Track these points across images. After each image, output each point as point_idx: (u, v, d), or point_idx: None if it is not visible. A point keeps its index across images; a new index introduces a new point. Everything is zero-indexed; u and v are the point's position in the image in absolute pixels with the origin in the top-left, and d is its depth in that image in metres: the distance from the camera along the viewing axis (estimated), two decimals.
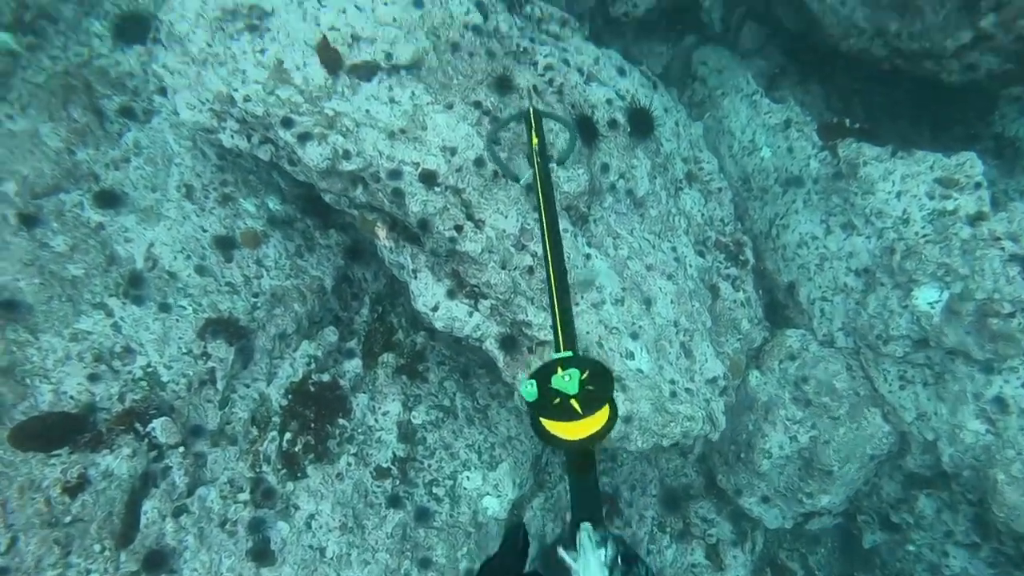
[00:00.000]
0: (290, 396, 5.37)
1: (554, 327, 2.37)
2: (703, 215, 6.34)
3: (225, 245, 5.52)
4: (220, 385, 5.04)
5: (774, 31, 7.47)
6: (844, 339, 5.69)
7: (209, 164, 5.81)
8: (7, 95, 5.27)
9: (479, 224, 4.66)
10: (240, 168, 5.93)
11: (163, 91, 5.37)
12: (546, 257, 2.56)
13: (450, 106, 4.81)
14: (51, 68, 5.63)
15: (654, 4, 7.24)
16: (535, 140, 3.45)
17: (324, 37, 4.79)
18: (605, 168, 5.41)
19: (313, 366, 5.63)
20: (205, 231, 5.52)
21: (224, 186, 5.79)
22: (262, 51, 4.88)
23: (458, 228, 4.60)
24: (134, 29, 6.17)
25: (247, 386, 5.34)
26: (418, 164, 4.60)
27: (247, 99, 4.68)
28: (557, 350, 2.39)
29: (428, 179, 4.59)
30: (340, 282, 6.25)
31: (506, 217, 4.75)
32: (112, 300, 4.89)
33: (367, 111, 4.77)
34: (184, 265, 5.27)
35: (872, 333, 5.42)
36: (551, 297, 2.45)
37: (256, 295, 5.48)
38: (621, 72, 6.22)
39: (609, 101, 5.65)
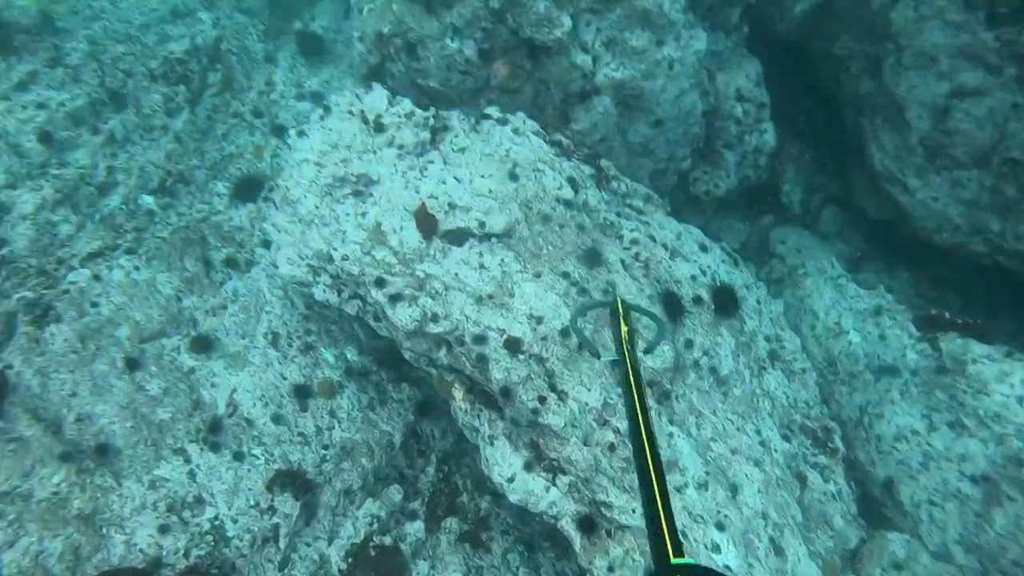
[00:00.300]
0: (350, 560, 5.10)
1: (660, 526, 2.12)
2: (787, 397, 6.05)
3: (302, 394, 5.57)
4: (282, 543, 4.85)
5: (856, 216, 7.51)
6: (964, 555, 5.05)
7: (296, 313, 6.03)
8: (139, 248, 5.73)
9: (562, 396, 4.55)
10: (324, 318, 6.13)
11: (266, 244, 5.74)
12: (640, 447, 2.38)
13: (538, 275, 4.90)
14: (176, 223, 6.16)
15: (735, 185, 7.45)
16: (624, 328, 3.38)
17: (423, 204, 5.08)
18: (689, 344, 5.30)
19: (375, 527, 5.39)
20: (285, 379, 5.60)
21: (308, 335, 5.96)
22: (363, 214, 5.21)
23: (541, 399, 4.50)
24: (249, 190, 6.77)
25: (308, 545, 5.12)
26: (504, 331, 4.62)
27: (345, 258, 4.92)
28: (661, 552, 2.12)
29: (513, 346, 4.58)
30: (408, 437, 6.14)
31: (589, 390, 4.63)
32: (192, 446, 4.92)
33: (456, 275, 4.91)
34: (262, 412, 5.31)
35: (1006, 556, 4.80)
36: (649, 488, 2.22)
37: (326, 447, 5.42)
38: (703, 248, 6.29)
39: (693, 277, 5.67)
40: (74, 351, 5.06)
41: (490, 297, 4.79)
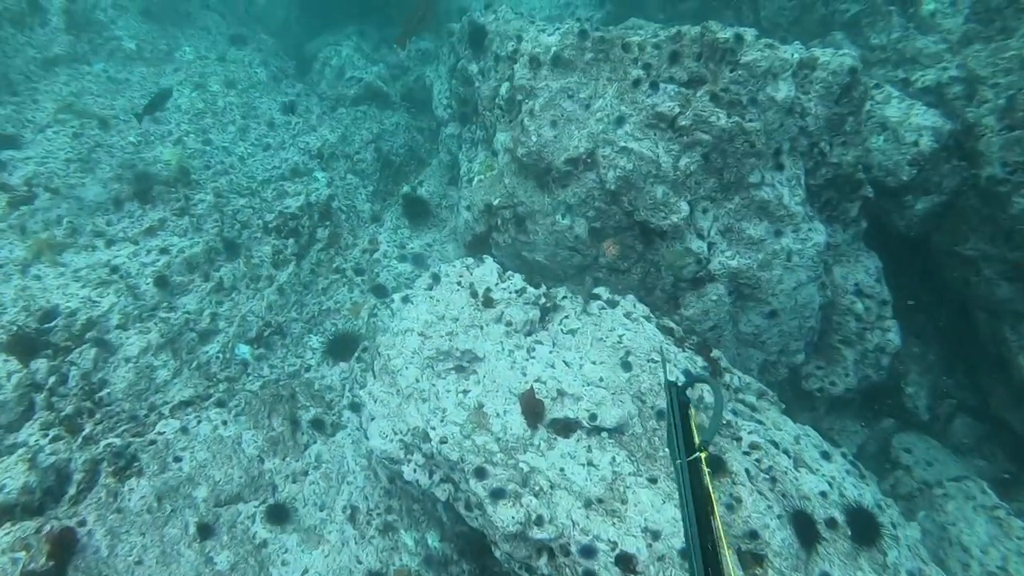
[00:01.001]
0: None
1: None
2: None
3: None
4: None
5: (995, 430, 6.73)
6: None
7: (378, 487, 5.62)
8: (229, 400, 5.60)
9: None
10: (407, 494, 5.69)
11: (354, 407, 5.48)
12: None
13: (654, 480, 4.39)
14: (268, 377, 6.05)
15: (854, 385, 6.87)
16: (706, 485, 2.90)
17: (530, 388, 4.76)
18: None
19: None
20: (360, 563, 5.09)
21: (388, 512, 5.50)
22: (465, 392, 4.92)
23: None
24: (343, 347, 6.67)
25: None
26: (615, 544, 4.05)
27: (443, 440, 4.57)
28: None
29: (625, 564, 3.99)
30: None
31: None
32: None
33: (562, 470, 4.46)
34: None
35: None
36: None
37: None
38: (825, 456, 5.64)
39: (823, 494, 5.00)
40: (149, 510, 4.76)
41: (600, 501, 4.28)
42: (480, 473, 4.35)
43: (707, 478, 2.82)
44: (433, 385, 4.99)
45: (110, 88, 8.35)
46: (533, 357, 5.04)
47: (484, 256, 5.93)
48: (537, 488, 4.33)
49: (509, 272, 5.74)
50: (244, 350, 6.38)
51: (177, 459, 5.05)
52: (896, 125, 6.97)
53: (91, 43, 8.65)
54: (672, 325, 5.82)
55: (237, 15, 12.33)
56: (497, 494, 4.21)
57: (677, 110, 5.79)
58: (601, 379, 4.84)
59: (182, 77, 9.61)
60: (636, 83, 6.01)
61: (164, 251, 6.63)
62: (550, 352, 5.03)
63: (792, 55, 5.84)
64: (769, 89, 5.79)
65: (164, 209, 7.13)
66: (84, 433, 5.03)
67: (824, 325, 6.88)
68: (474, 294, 5.48)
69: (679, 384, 3.87)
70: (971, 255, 6.75)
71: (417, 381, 5.01)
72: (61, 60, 8.11)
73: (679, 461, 3.25)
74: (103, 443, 4.99)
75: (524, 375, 4.90)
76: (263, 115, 9.67)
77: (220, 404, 5.60)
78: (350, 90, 10.72)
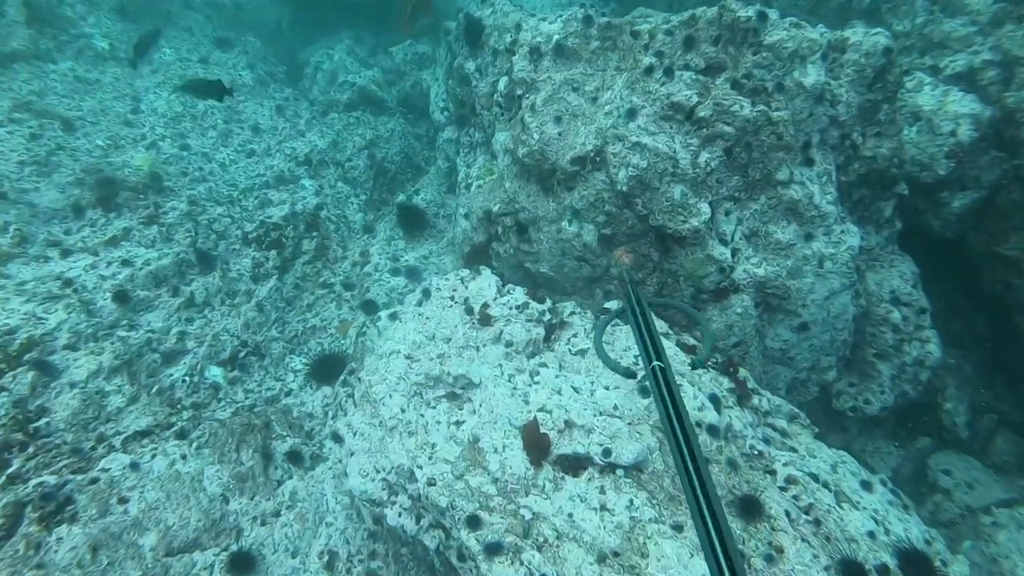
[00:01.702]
0: None
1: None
2: None
3: None
4: None
5: None
6: None
7: (361, 528, 4.95)
8: (192, 431, 4.95)
9: None
10: (395, 537, 5.02)
11: (337, 438, 4.83)
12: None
13: (679, 529, 3.71)
14: (242, 403, 5.40)
15: (890, 402, 6.19)
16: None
17: (534, 419, 4.10)
18: None
19: None
20: None
21: (372, 559, 4.83)
22: (458, 424, 4.26)
23: None
24: (328, 369, 6.03)
25: None
26: None
27: (431, 483, 3.91)
28: None
29: None
30: None
31: None
32: None
33: (570, 515, 3.79)
34: None
35: None
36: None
37: None
38: (865, 486, 4.96)
39: (871, 534, 4.32)
40: (79, 564, 4.08)
41: (615, 555, 3.61)
42: (473, 522, 3.69)
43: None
44: (421, 416, 4.34)
45: (77, 88, 7.76)
46: (537, 382, 4.39)
47: (481, 267, 5.29)
48: (541, 539, 3.66)
49: (510, 285, 5.10)
50: (215, 372, 5.73)
51: (123, 500, 4.39)
52: (930, 114, 6.32)
53: (56, 40, 8.06)
54: (693, 342, 5.16)
55: (225, 17, 11.79)
56: (493, 549, 3.54)
57: (695, 99, 5.16)
58: (616, 407, 4.17)
59: (160, 79, 9.04)
60: (648, 71, 5.39)
61: (127, 263, 6.00)
62: (556, 376, 4.38)
63: (821, 35, 5.21)
64: (796, 74, 5.16)
65: (131, 217, 6.51)
66: (10, 471, 4.36)
67: (857, 338, 6.21)
68: (469, 310, 4.83)
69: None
70: (1012, 256, 6.10)
71: (403, 411, 4.35)
72: (20, 56, 7.52)
73: (655, 364, 2.72)
74: (32, 483, 4.33)
75: (526, 403, 4.25)
76: (248, 119, 9.08)
77: (181, 435, 4.95)
78: (343, 95, 10.12)
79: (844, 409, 6.40)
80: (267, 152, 8.66)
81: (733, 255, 5.32)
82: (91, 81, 7.98)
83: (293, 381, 5.95)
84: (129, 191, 6.70)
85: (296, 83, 11.13)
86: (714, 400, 4.41)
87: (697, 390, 4.39)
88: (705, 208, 5.18)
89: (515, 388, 4.30)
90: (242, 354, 6.04)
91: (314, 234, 7.67)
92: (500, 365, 4.43)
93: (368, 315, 6.84)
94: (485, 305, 4.78)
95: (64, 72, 7.80)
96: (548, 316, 4.74)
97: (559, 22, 6.07)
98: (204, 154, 8.25)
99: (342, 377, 5.72)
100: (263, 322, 6.50)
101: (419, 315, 4.78)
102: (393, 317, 5.00)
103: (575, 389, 4.28)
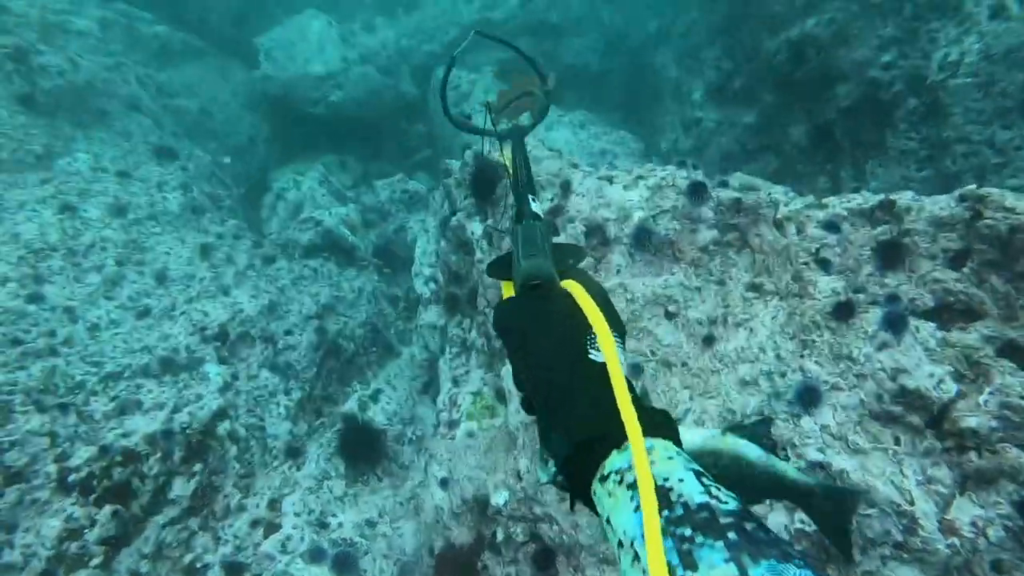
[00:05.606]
0: None
1: None
2: None
3: None
4: None
5: None
6: None
7: None
8: None
9: None
10: None
11: None
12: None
13: None
14: None
15: None
16: None
17: None
18: None
19: None
20: None
21: None
22: None
23: None
24: None
25: None
26: None
27: None
28: None
29: None
30: None
31: None
32: None
33: None
34: None
35: None
36: None
37: None
38: None
39: None
40: None
41: None
42: None
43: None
44: None
45: None
46: None
47: None
48: None
49: None
50: None
51: None
52: None
53: None
54: None
55: (184, 124, 9.48)
56: None
57: (951, 388, 2.36)
58: None
59: (48, 193, 6.43)
60: (839, 312, 2.62)
61: None
62: None
63: None
64: None
65: None
66: None
67: None
68: None
69: None
70: None
71: None
72: None
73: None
74: None
75: None
76: (154, 261, 6.36)
77: None
78: (304, 235, 7.37)
79: None
80: (167, 313, 5.84)
81: None
82: None
83: None
84: None
85: (254, 212, 8.60)
86: None
87: None
88: None
89: None
90: None
91: (197, 466, 4.67)
92: None
93: None
94: None
95: None
96: None
97: (641, 187, 3.43)
98: (67, 310, 5.44)
99: None
100: None
101: None
102: None
103: None
